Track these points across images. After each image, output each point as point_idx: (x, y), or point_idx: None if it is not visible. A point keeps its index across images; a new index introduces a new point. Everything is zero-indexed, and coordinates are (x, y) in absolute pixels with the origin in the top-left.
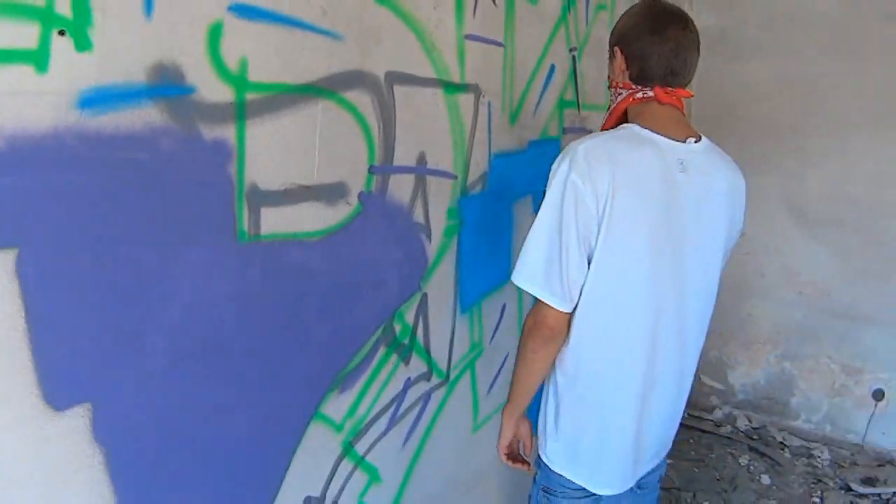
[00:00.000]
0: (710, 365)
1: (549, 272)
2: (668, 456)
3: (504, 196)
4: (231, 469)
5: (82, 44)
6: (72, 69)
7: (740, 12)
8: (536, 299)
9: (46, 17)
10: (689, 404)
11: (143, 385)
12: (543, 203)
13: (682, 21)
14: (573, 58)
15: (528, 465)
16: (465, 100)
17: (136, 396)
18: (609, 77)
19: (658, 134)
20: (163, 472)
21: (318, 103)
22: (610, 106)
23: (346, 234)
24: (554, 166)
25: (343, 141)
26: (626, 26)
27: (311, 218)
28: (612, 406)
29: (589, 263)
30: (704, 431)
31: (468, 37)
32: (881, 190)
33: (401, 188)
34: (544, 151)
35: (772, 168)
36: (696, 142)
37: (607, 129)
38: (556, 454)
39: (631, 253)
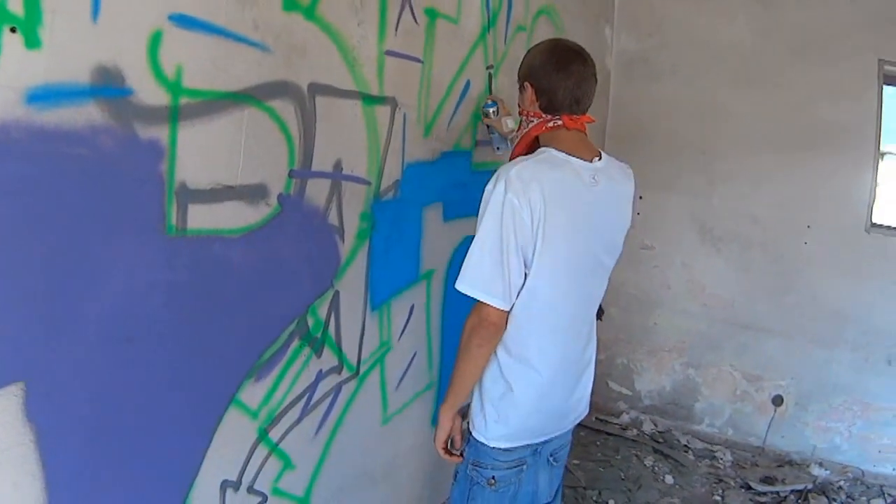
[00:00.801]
0: (617, 371)
1: (493, 278)
2: (576, 457)
3: (415, 202)
4: (155, 449)
5: (32, 41)
6: (21, 65)
7: (659, 38)
8: (476, 301)
9: None
10: (597, 408)
11: (74, 367)
12: (483, 221)
13: (581, 58)
14: (489, 75)
15: (461, 456)
16: (383, 111)
17: (67, 378)
18: (519, 106)
19: (571, 156)
20: (90, 451)
21: (245, 110)
22: (520, 129)
23: (265, 232)
24: (489, 188)
25: (266, 146)
26: (535, 64)
27: (233, 216)
28: (541, 372)
29: (525, 267)
30: (611, 434)
31: (388, 53)
32: (781, 210)
33: (318, 192)
34: (455, 162)
35: (681, 186)
36: (598, 159)
37: (521, 152)
38: (490, 428)
39: (561, 253)
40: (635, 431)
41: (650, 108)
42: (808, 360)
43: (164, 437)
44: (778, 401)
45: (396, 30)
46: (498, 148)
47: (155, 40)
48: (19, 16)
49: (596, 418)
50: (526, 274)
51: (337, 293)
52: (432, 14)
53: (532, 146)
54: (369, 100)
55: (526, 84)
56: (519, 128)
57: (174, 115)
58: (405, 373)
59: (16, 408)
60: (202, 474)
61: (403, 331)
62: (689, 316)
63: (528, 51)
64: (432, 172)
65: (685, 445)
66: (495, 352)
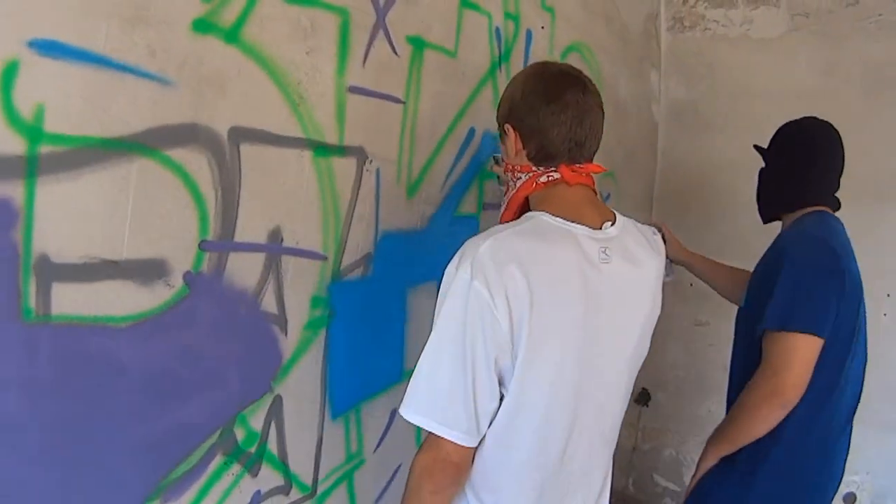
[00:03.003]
0: (664, 464)
1: (452, 403)
2: None
3: (395, 283)
4: None
5: None
6: None
7: (710, 85)
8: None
9: None
10: None
11: None
12: (438, 319)
13: (579, 82)
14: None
15: None
16: (344, 165)
17: None
18: (502, 159)
19: (572, 222)
20: None
21: (134, 162)
22: (506, 192)
23: (166, 320)
24: (449, 270)
25: (165, 209)
26: (516, 98)
27: (119, 300)
28: None
29: (501, 385)
30: None
31: (353, 89)
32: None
33: (244, 270)
34: (453, 231)
35: (740, 251)
36: (611, 224)
37: (507, 221)
38: None
39: (554, 365)
40: None
41: (703, 162)
42: (885, 452)
43: None
44: (850, 499)
45: (365, 61)
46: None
47: (8, 73)
48: None
49: None
50: (502, 395)
51: (278, 399)
52: (418, 43)
53: (522, 212)
54: (323, 150)
55: (507, 127)
56: (506, 190)
57: (32, 168)
58: (385, 490)
59: None
60: None
61: (381, 441)
62: None
63: (509, 82)
64: (421, 244)
65: None
66: (462, 495)
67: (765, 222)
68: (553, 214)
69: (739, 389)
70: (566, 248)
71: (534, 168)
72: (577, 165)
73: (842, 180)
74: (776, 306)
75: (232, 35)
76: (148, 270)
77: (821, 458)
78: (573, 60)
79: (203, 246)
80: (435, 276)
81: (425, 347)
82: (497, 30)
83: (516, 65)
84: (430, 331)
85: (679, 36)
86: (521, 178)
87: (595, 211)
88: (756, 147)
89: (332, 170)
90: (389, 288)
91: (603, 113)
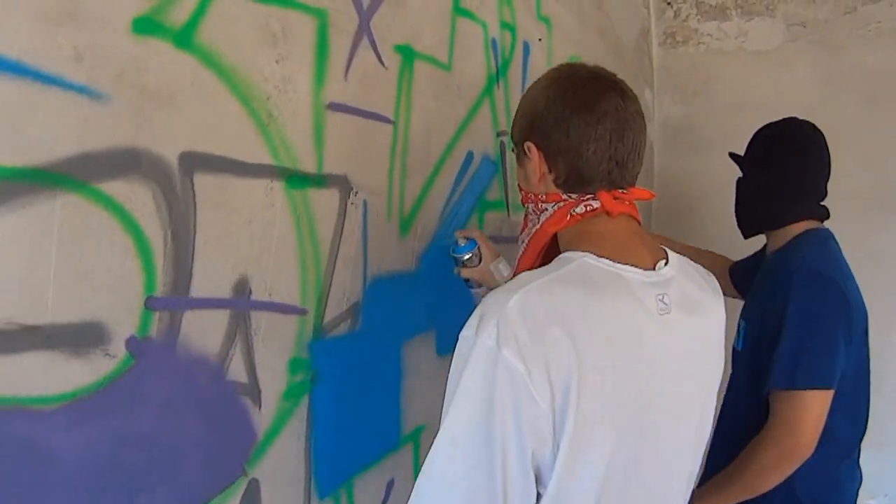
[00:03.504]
0: None
1: (474, 501)
2: None
3: (387, 336)
4: None
5: None
6: None
7: (705, 100)
8: None
9: None
10: None
11: None
12: (453, 402)
13: (616, 86)
14: (501, 144)
15: None
16: (324, 198)
17: None
18: (519, 187)
19: (621, 264)
20: None
21: (58, 198)
22: (524, 227)
23: (107, 399)
24: (465, 335)
25: (99, 258)
26: (538, 108)
27: (44, 375)
28: None
29: (539, 483)
30: None
31: (333, 106)
32: (866, 293)
33: (204, 331)
34: (450, 271)
35: None
36: (665, 264)
37: (527, 268)
38: None
39: (605, 459)
40: None
41: (701, 181)
42: None
43: None
44: None
45: (347, 73)
46: None
47: None
48: None
49: None
50: (539, 494)
51: (254, 483)
52: (408, 53)
53: (547, 254)
54: (298, 180)
55: (528, 146)
56: (523, 224)
57: None
58: None
59: None
60: None
61: None
62: None
63: (526, 91)
64: (415, 287)
65: None
66: None
67: (746, 237)
68: (598, 255)
69: (730, 434)
70: (619, 298)
71: (564, 196)
72: (620, 191)
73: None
74: (784, 365)
75: (184, 38)
76: (81, 337)
77: (833, 490)
78: None
79: (150, 304)
80: (433, 324)
81: (435, 440)
82: (493, 41)
83: (514, 80)
84: (441, 416)
85: (671, 51)
86: (546, 209)
87: (645, 248)
88: (732, 155)
89: (309, 204)
90: (382, 342)
91: (645, 123)
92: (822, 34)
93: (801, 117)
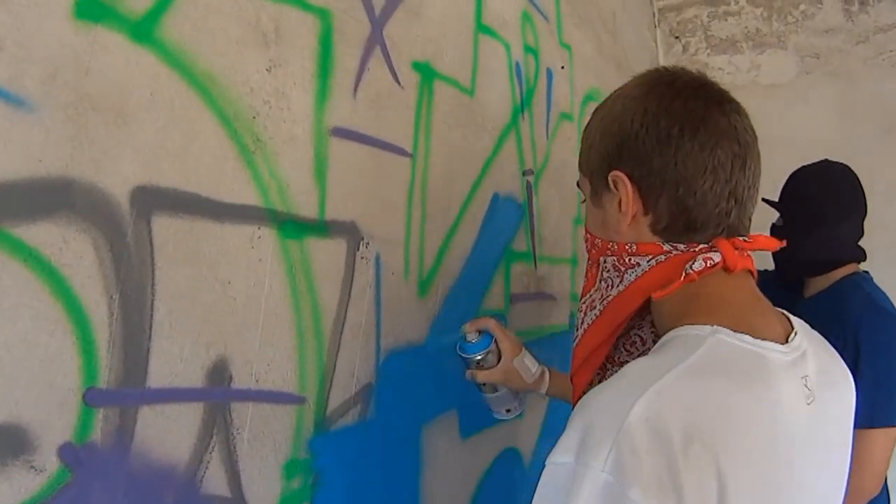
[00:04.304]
0: None
1: None
2: None
3: (405, 421)
4: None
5: None
6: None
7: None
8: None
9: None
10: None
11: None
12: None
13: (727, 98)
14: (528, 185)
15: None
16: (327, 250)
17: None
18: (588, 234)
19: (761, 340)
20: None
21: None
22: (585, 293)
23: None
24: (560, 459)
25: (17, 334)
26: (632, 124)
27: None
28: None
29: None
30: None
31: (338, 132)
32: None
33: (167, 432)
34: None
35: None
36: (794, 335)
37: (596, 344)
38: None
39: None
40: None
41: None
42: None
43: None
44: None
45: (356, 90)
46: (508, 410)
47: None
48: None
49: None
50: None
51: None
52: (427, 73)
53: (626, 319)
54: (294, 227)
55: (616, 178)
56: (587, 284)
57: None
58: None
59: None
60: None
61: None
62: None
63: (605, 104)
64: (438, 361)
65: None
66: None
67: (787, 282)
68: (733, 330)
69: None
70: (767, 390)
71: (666, 247)
72: (741, 239)
73: (871, 228)
74: (861, 405)
75: (143, 30)
76: None
77: None
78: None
79: (91, 398)
80: (454, 402)
81: None
82: (517, 65)
83: (539, 112)
84: None
85: None
86: (639, 265)
87: (773, 314)
88: (766, 200)
89: (308, 258)
90: (398, 430)
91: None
92: (836, 65)
93: (820, 150)
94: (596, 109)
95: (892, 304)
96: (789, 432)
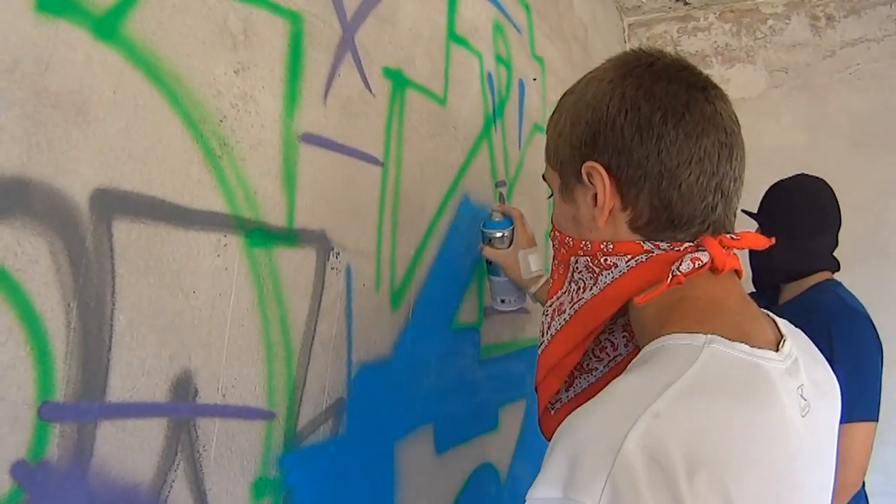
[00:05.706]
0: None
1: None
2: None
3: (378, 437)
4: None
5: None
6: None
7: None
8: None
9: None
10: None
11: None
12: None
13: (710, 83)
14: (500, 196)
15: None
16: (295, 260)
17: None
18: (555, 233)
19: (758, 349)
20: None
21: None
22: (551, 295)
23: None
24: (544, 494)
25: None
26: (608, 111)
27: None
28: None
29: None
30: None
31: (308, 138)
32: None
33: (128, 449)
34: (455, 351)
35: None
36: (782, 341)
37: (567, 349)
38: None
39: None
40: None
41: None
42: None
43: None
44: None
45: (326, 96)
46: (503, 300)
47: None
48: None
49: None
50: None
51: None
52: (399, 80)
53: (601, 325)
54: (261, 235)
55: (591, 169)
56: (553, 287)
57: None
58: None
59: None
60: None
61: None
62: None
63: (576, 88)
64: (411, 375)
65: None
66: None
67: (760, 289)
68: (728, 338)
69: None
70: (767, 405)
71: (647, 245)
72: (729, 237)
73: (842, 239)
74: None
75: (107, 26)
76: None
77: None
78: None
79: (46, 413)
80: (430, 415)
81: None
82: (489, 75)
83: (511, 123)
84: None
85: None
86: (616, 265)
87: (763, 318)
88: (746, 212)
89: (276, 268)
90: (372, 446)
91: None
92: (805, 79)
93: (788, 163)
94: (564, 94)
95: (862, 305)
96: (790, 448)
